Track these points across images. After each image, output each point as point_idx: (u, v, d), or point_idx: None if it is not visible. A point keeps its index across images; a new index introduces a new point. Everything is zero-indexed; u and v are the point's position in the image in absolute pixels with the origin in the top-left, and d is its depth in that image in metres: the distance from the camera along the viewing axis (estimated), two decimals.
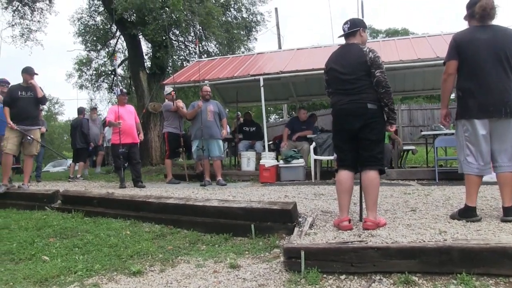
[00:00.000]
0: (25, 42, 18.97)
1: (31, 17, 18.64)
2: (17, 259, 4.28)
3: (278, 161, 9.65)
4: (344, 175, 4.23)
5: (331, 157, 9.06)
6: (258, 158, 10.53)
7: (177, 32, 16.91)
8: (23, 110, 7.71)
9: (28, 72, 7.81)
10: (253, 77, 10.16)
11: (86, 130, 11.98)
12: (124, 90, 9.72)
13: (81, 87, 24.12)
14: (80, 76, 24.47)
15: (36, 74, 7.92)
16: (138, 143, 9.06)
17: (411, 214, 4.70)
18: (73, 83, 24.46)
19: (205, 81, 10.31)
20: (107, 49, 22.16)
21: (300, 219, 4.51)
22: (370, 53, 4.16)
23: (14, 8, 17.84)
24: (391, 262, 3.20)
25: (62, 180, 11.56)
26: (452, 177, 8.47)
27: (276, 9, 27.71)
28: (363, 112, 4.09)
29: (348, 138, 4.22)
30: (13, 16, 18.01)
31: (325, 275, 3.27)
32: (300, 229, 4.15)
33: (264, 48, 40.36)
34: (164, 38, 14.04)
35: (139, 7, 13.53)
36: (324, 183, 8.49)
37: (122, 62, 22.98)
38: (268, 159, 9.58)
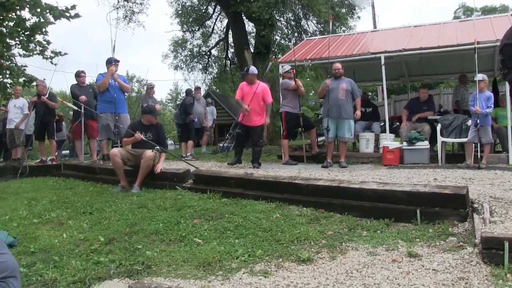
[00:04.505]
0: (128, 23, 19.64)
1: None
2: (167, 240, 4.20)
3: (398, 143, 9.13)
4: None
5: (463, 140, 8.41)
6: (376, 139, 10.05)
7: (279, 11, 16.58)
8: None
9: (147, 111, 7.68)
10: (373, 55, 9.64)
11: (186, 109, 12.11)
12: (252, 68, 9.11)
13: (176, 67, 24.68)
14: (175, 57, 25.03)
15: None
16: (261, 125, 8.70)
17: None
18: (168, 64, 25.18)
19: (329, 59, 9.81)
20: (201, 30, 22.42)
21: (475, 205, 4.06)
22: None
23: None
24: None
25: (170, 159, 11.64)
26: None
27: None
28: None
29: None
30: None
31: None
32: (481, 217, 3.73)
33: (360, 28, 39.07)
34: (271, 16, 13.75)
35: None
36: (455, 166, 7.89)
37: (217, 43, 23.14)
38: (389, 141, 9.09)
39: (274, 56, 13.92)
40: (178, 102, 33.14)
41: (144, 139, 7.02)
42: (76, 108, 9.80)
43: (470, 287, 2.75)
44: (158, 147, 6.97)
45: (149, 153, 6.76)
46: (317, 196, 4.89)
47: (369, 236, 3.91)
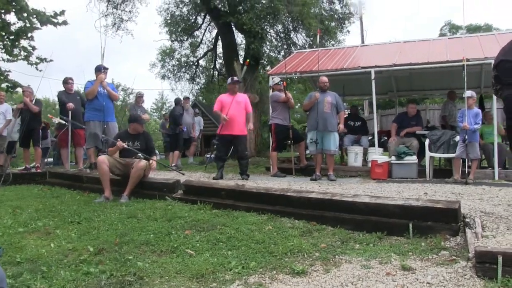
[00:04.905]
0: (116, 31, 19.69)
1: (122, 7, 19.26)
2: (158, 251, 4.12)
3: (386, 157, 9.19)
4: None
5: (451, 155, 8.48)
6: (364, 153, 10.10)
7: (269, 23, 16.67)
8: None
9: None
10: (363, 70, 9.71)
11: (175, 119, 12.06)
12: (236, 78, 9.28)
13: (163, 77, 24.78)
14: (163, 66, 25.09)
15: None
16: (245, 135, 8.82)
17: None
18: (155, 73, 25.28)
19: (319, 72, 9.81)
20: (190, 40, 22.51)
21: (467, 220, 4.08)
22: None
23: None
24: None
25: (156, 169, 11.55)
26: None
27: (359, 2, 26.97)
28: None
29: None
30: (107, 6, 18.75)
31: None
32: (473, 231, 3.75)
33: (348, 42, 39.27)
34: (261, 28, 13.81)
35: None
36: (442, 181, 7.96)
37: (205, 53, 23.18)
38: (377, 155, 9.15)
39: (248, 60, 13.84)
40: (163, 112, 33.08)
41: (126, 146, 6.95)
42: (63, 122, 9.70)
43: None
44: (140, 154, 6.91)
45: (140, 163, 6.69)
46: (309, 209, 4.87)
47: (362, 249, 3.90)
